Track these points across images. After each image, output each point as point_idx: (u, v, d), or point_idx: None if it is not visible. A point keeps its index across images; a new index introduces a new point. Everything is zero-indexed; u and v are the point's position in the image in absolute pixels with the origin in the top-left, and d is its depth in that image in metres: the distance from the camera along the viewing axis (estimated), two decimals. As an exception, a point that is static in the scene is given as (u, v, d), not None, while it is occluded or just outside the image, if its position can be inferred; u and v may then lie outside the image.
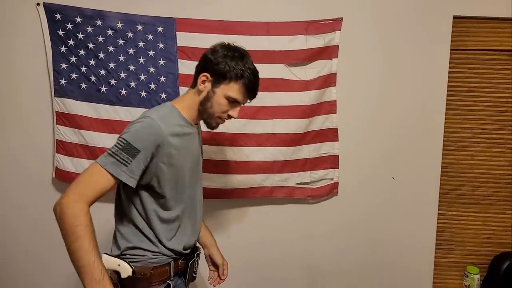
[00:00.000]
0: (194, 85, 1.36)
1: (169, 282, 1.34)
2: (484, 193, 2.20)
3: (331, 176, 2.15)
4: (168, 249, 1.33)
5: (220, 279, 1.65)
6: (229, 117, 1.35)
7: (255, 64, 1.95)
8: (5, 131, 2.07)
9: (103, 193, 1.17)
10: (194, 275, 1.46)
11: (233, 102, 1.32)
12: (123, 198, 1.32)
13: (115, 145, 1.19)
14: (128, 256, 1.30)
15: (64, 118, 2.01)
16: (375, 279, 2.21)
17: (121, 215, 1.33)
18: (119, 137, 1.21)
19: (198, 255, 1.48)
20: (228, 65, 1.28)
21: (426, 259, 2.20)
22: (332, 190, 2.15)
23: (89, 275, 1.07)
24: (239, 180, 2.08)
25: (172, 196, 1.31)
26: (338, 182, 2.15)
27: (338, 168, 2.14)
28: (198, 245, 1.53)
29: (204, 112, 1.34)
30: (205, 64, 1.32)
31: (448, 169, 2.18)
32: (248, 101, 1.38)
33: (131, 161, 1.17)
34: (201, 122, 1.43)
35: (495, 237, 2.22)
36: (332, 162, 2.14)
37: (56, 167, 2.04)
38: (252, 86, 1.32)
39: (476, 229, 2.23)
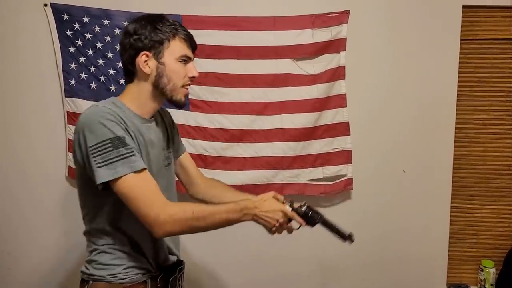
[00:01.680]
0: (131, 78, 1.19)
1: None
2: (498, 185, 2.16)
3: (345, 172, 2.11)
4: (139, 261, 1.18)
5: None
6: (191, 79, 1.21)
7: (262, 60, 2.01)
8: (18, 132, 2.10)
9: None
10: None
11: (184, 60, 1.18)
12: (86, 193, 1.16)
13: (102, 151, 1.02)
14: (94, 272, 1.16)
15: (75, 118, 2.03)
16: (388, 274, 2.19)
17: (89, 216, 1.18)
18: (91, 147, 1.03)
19: (181, 270, 1.31)
20: (157, 29, 1.14)
21: (440, 253, 2.17)
22: (346, 186, 2.11)
23: (236, 215, 1.11)
24: (248, 177, 2.07)
25: None
26: (352, 178, 2.11)
27: (351, 163, 2.10)
28: (181, 258, 1.36)
29: (164, 92, 1.17)
30: (133, 48, 1.14)
31: (461, 161, 2.15)
32: (192, 55, 1.22)
33: (130, 149, 1.04)
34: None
35: (510, 230, 2.18)
36: (345, 157, 2.10)
37: (69, 166, 2.06)
38: (189, 35, 1.19)
39: (490, 222, 2.19)
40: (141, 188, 1.04)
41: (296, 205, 1.23)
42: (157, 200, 1.06)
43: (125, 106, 1.16)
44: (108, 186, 1.05)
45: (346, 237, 1.26)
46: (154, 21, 1.15)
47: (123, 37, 1.17)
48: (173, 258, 1.30)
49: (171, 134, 1.37)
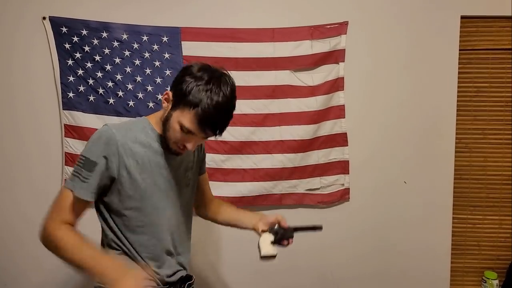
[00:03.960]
0: None
1: None
2: (499, 195, 2.15)
3: (342, 182, 2.12)
4: None
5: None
6: (184, 147, 1.15)
7: (261, 71, 2.00)
8: (13, 145, 2.08)
9: (79, 213, 1.14)
10: None
11: (186, 132, 1.10)
12: (101, 220, 1.22)
13: (77, 163, 1.12)
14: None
15: (72, 131, 2.02)
16: (390, 286, 2.17)
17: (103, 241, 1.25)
18: (80, 153, 1.14)
19: (190, 285, 1.31)
20: (189, 87, 1.06)
21: (442, 265, 2.15)
22: (343, 196, 2.13)
23: (101, 270, 1.06)
24: (248, 188, 2.07)
25: (135, 216, 1.18)
26: (349, 188, 2.12)
27: (348, 173, 2.12)
28: (187, 274, 1.34)
29: (164, 133, 1.16)
30: (173, 81, 1.13)
31: (461, 172, 2.14)
32: (215, 136, 1.12)
33: (90, 176, 1.10)
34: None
35: (512, 240, 2.17)
36: (342, 167, 2.11)
37: (65, 179, 2.04)
38: (207, 119, 1.06)
39: (492, 233, 2.17)
40: (62, 205, 1.12)
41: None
42: (60, 220, 1.11)
43: (150, 127, 1.19)
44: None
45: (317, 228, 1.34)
46: (201, 79, 1.06)
47: (184, 67, 1.13)
48: (182, 273, 1.30)
49: (199, 155, 1.37)
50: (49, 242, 1.09)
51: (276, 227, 1.30)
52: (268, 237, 1.27)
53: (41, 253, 2.08)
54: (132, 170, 1.14)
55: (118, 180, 1.14)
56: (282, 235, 1.29)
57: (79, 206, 1.13)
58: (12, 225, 2.12)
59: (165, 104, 1.14)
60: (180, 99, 1.08)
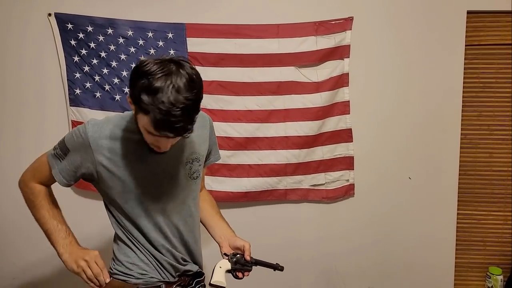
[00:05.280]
0: None
1: None
2: (504, 191, 2.15)
3: (347, 178, 2.13)
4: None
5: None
6: (159, 148, 1.10)
7: (266, 68, 2.00)
8: (21, 141, 2.10)
9: (50, 180, 1.23)
10: None
11: (154, 134, 1.02)
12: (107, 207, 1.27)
13: (57, 144, 1.21)
14: (115, 270, 1.24)
15: (79, 127, 2.03)
16: (394, 282, 2.18)
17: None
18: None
19: (199, 282, 1.31)
20: (139, 92, 0.97)
21: (446, 260, 2.16)
22: (348, 191, 2.13)
23: (55, 234, 1.21)
24: (252, 183, 2.08)
25: (127, 209, 1.19)
26: (354, 184, 2.13)
27: (353, 169, 2.12)
28: (199, 270, 1.33)
29: None
30: (130, 84, 1.03)
31: (466, 168, 2.14)
32: (167, 136, 1.01)
33: (63, 158, 1.17)
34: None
35: (517, 236, 2.17)
36: (347, 163, 2.12)
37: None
38: (162, 124, 0.96)
39: (497, 228, 2.17)
40: (36, 165, 1.26)
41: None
42: (32, 175, 1.26)
43: (133, 120, 1.11)
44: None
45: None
46: (146, 87, 0.96)
47: (135, 67, 1.02)
48: (193, 267, 1.29)
49: (209, 146, 1.32)
50: (24, 196, 1.27)
51: (238, 256, 1.28)
52: (226, 265, 1.27)
53: (47, 248, 2.13)
54: (107, 165, 1.14)
55: (98, 175, 1.16)
56: (241, 268, 1.29)
57: (49, 175, 1.22)
58: (18, 222, 2.14)
59: (132, 107, 1.05)
60: (136, 104, 1.01)
